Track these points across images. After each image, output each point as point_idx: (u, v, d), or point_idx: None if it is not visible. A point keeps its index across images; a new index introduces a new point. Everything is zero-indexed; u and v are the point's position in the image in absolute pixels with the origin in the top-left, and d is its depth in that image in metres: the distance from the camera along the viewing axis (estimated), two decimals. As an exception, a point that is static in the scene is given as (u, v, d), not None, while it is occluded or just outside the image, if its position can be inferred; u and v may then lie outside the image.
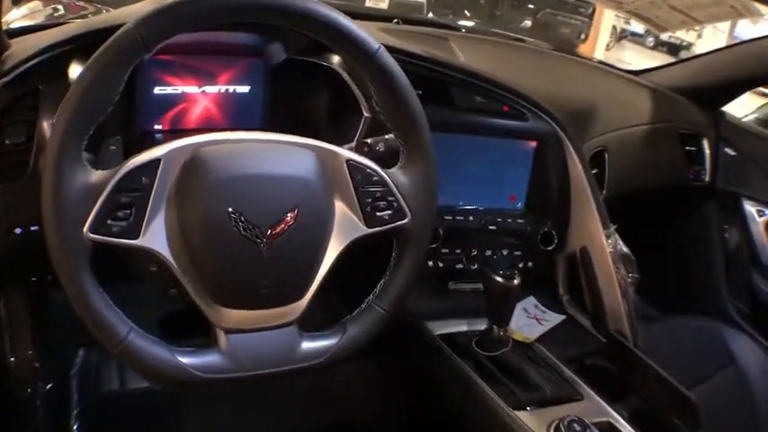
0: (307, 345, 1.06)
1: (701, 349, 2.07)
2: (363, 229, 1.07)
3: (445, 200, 1.43)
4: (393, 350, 1.58)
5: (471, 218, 1.53)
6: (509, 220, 1.57)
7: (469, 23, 3.08)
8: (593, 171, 1.82)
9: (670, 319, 2.19)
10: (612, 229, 1.55)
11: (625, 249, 1.54)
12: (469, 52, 1.80)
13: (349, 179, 1.05)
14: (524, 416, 1.30)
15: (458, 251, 1.54)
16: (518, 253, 1.59)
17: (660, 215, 2.44)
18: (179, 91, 1.30)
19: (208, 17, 0.97)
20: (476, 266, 1.54)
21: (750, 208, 2.30)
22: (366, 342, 1.11)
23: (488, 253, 1.56)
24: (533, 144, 1.60)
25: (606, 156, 1.91)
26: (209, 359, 0.99)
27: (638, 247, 1.90)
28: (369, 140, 1.26)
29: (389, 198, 1.08)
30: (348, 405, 1.73)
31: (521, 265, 1.58)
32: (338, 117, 1.35)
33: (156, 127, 1.30)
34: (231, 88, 1.36)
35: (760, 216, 2.28)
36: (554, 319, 1.57)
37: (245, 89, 1.37)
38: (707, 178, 2.31)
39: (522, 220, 1.58)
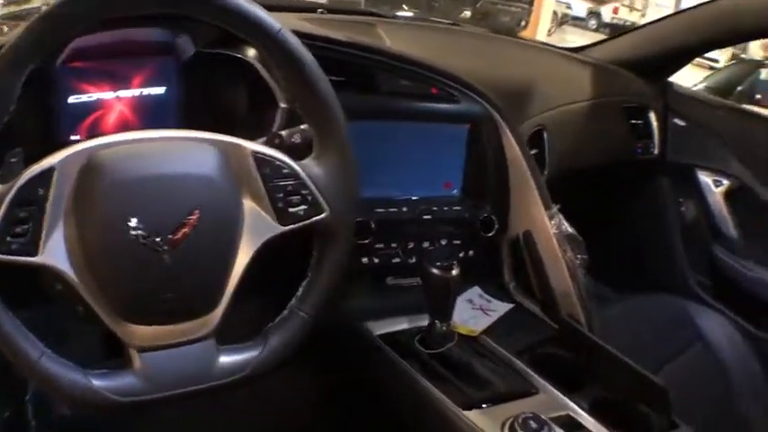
0: (225, 359, 0.99)
1: (666, 327, 2.00)
2: (277, 228, 0.99)
3: (375, 191, 1.37)
4: (333, 354, 1.51)
5: (405, 209, 1.44)
6: (445, 208, 1.48)
7: (406, 15, 2.98)
8: (533, 151, 1.75)
9: (630, 298, 2.10)
10: (555, 209, 1.47)
11: (570, 230, 1.46)
12: (398, 38, 1.72)
13: (257, 173, 0.97)
14: (475, 416, 1.21)
15: (393, 245, 1.44)
16: (458, 242, 1.50)
17: (611, 192, 2.38)
18: (94, 98, 1.24)
19: (83, 19, 0.89)
20: (414, 260, 1.45)
21: (705, 178, 2.24)
22: (290, 351, 1.04)
23: (426, 244, 1.46)
24: (466, 127, 1.51)
25: (545, 134, 1.84)
26: (123, 381, 0.93)
27: (591, 226, 1.82)
28: (284, 132, 1.18)
29: (303, 192, 1.00)
30: (291, 413, 1.64)
31: (461, 255, 1.49)
32: (257, 111, 1.27)
33: (73, 138, 1.23)
34: (146, 91, 1.29)
35: (716, 186, 2.22)
36: (501, 308, 1.49)
37: (160, 90, 1.30)
38: (656, 151, 2.25)
39: (459, 207, 1.49)
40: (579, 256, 1.45)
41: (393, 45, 1.65)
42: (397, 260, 1.46)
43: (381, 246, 1.44)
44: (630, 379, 1.30)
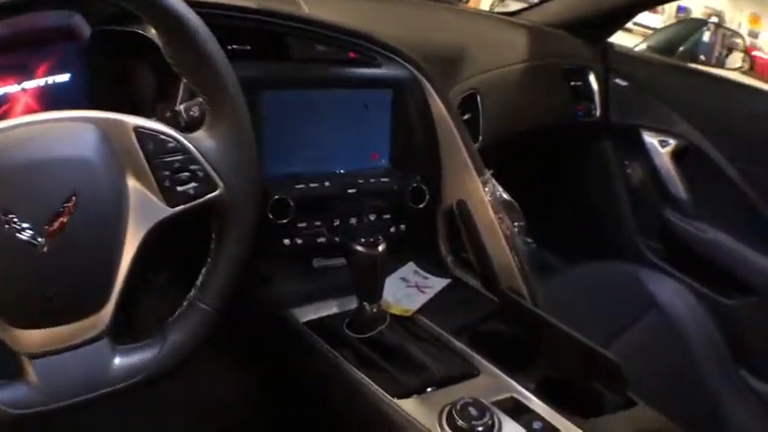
0: (121, 361, 0.90)
1: (618, 296, 1.93)
2: (165, 210, 0.90)
3: (294, 167, 1.30)
4: (260, 346, 1.42)
5: (327, 183, 1.32)
6: (372, 180, 1.36)
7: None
8: (466, 116, 1.69)
9: (579, 267, 2.01)
10: (488, 175, 1.36)
11: (506, 196, 1.36)
12: (319, 6, 1.59)
13: (139, 150, 0.88)
14: (410, 404, 1.11)
15: (317, 223, 1.33)
16: (387, 216, 1.38)
17: (554, 158, 2.29)
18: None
19: None
20: (341, 238, 1.32)
21: (651, 139, 2.17)
22: (192, 347, 0.95)
23: (353, 221, 1.35)
24: (389, 92, 1.39)
25: (479, 98, 1.74)
26: (17, 392, 0.85)
27: (535, 194, 1.74)
28: (182, 106, 1.09)
29: (192, 167, 0.91)
30: (220, 411, 1.52)
31: (392, 230, 1.38)
32: (164, 88, 1.18)
33: None
34: (51, 79, 1.19)
35: (663, 146, 2.15)
36: (438, 284, 1.38)
37: (65, 77, 1.20)
38: (598, 113, 2.18)
39: (387, 179, 1.37)
40: (517, 223, 1.35)
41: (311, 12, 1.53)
42: (322, 240, 1.34)
43: (304, 225, 1.32)
44: (579, 354, 1.20)
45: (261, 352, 1.45)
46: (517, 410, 1.12)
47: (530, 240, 2.34)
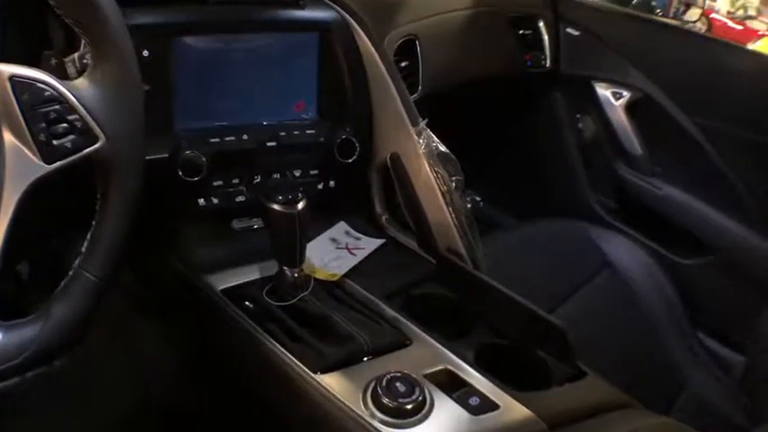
0: (1, 339, 0.80)
1: (570, 255, 1.84)
2: (42, 167, 0.80)
3: (209, 121, 1.19)
4: (178, 316, 1.31)
5: (245, 137, 1.20)
6: (296, 133, 1.24)
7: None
8: (404, 64, 1.59)
9: (528, 226, 1.92)
10: (423, 124, 1.24)
11: (442, 148, 1.24)
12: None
13: (14, 101, 0.78)
14: (332, 380, 1.00)
15: (235, 181, 1.21)
16: (314, 172, 1.27)
17: (501, 110, 2.19)
18: None
19: None
20: (256, 196, 1.19)
21: (604, 91, 2.06)
22: (79, 321, 0.85)
23: (277, 177, 1.21)
24: (315, 36, 1.27)
25: (418, 45, 1.61)
26: None
27: (481, 148, 1.62)
28: (76, 54, 0.98)
29: (71, 118, 0.81)
30: (158, 388, 1.44)
31: (320, 186, 1.25)
32: (70, 39, 1.04)
33: None
34: None
35: (617, 99, 2.04)
36: (370, 245, 1.26)
37: None
38: (548, 63, 2.07)
39: (312, 131, 1.25)
40: (455, 177, 1.22)
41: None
42: (241, 199, 1.22)
43: (220, 183, 1.20)
44: (523, 320, 1.09)
45: (179, 323, 1.34)
46: (452, 384, 1.00)
47: (478, 198, 2.26)
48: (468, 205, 2.04)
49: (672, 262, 1.94)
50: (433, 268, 1.24)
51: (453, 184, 1.23)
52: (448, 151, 1.25)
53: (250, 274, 1.20)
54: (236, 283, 1.18)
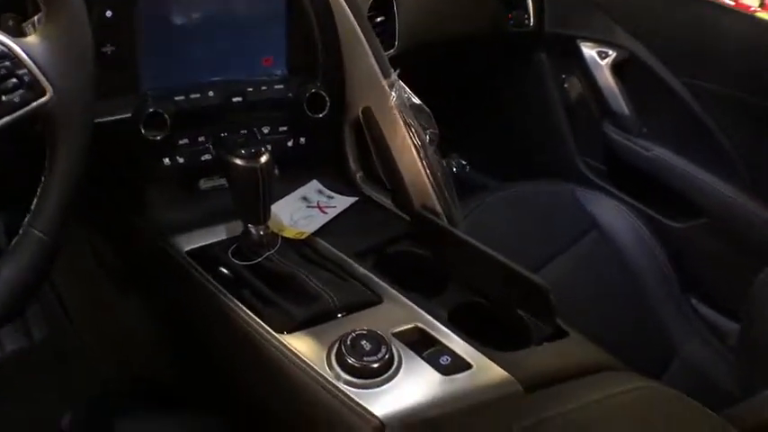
0: None
1: (555, 217, 1.79)
2: None
3: (175, 79, 1.14)
4: (145, 279, 1.27)
5: (212, 93, 1.15)
6: (264, 89, 1.19)
7: None
8: (380, 19, 1.56)
9: (515, 186, 1.86)
10: (395, 76, 1.19)
11: (415, 100, 1.18)
12: None
13: None
14: (298, 340, 0.95)
15: (201, 139, 1.16)
16: (284, 128, 1.22)
17: (484, 70, 2.12)
18: None
19: None
20: (218, 152, 1.17)
21: (589, 51, 1.98)
22: (31, 283, 0.83)
23: (244, 133, 1.16)
24: (283, -11, 1.20)
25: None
26: None
27: (463, 110, 1.56)
28: (36, 16, 0.98)
29: (19, 72, 0.80)
30: (137, 357, 1.40)
31: (290, 143, 1.21)
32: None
33: None
34: None
35: (602, 58, 1.96)
36: (342, 203, 1.21)
37: None
38: (531, 22, 2.00)
39: (281, 86, 1.21)
40: (429, 130, 1.17)
41: None
42: (207, 157, 1.17)
43: (186, 142, 1.15)
44: (502, 278, 1.05)
45: (152, 289, 1.29)
46: (423, 343, 0.96)
47: (464, 162, 2.21)
48: (454, 169, 2.01)
49: (661, 225, 1.88)
50: (407, 226, 1.20)
51: (427, 137, 1.18)
52: (421, 103, 1.20)
53: (216, 234, 1.16)
54: (202, 243, 1.14)
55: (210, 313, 1.04)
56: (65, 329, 1.44)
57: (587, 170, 2.06)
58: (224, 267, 1.08)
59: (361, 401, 0.86)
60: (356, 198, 1.25)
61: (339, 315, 1.00)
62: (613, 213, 1.84)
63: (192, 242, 1.14)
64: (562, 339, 1.02)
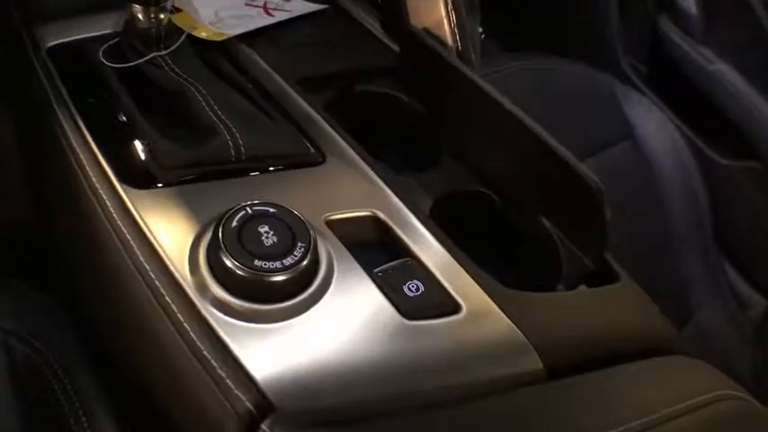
0: None
1: (595, 111, 1.49)
2: None
3: None
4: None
5: None
6: None
7: None
8: None
9: (548, 60, 1.53)
10: None
11: None
12: None
13: None
14: (155, 203, 0.56)
15: None
16: None
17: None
18: None
19: None
20: None
21: None
22: None
23: None
24: None
25: None
26: None
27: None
28: None
29: None
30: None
31: None
32: None
33: None
34: None
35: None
36: (302, 7, 0.79)
37: None
38: None
39: None
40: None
41: None
42: None
43: None
44: (528, 162, 0.65)
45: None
46: (378, 248, 0.57)
47: (480, 29, 1.83)
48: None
49: (706, 157, 1.58)
50: (393, 56, 0.79)
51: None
52: None
53: (99, 25, 0.76)
54: (74, 37, 0.76)
55: (46, 138, 0.65)
56: None
57: (633, 73, 1.70)
58: (89, 71, 0.70)
59: (234, 348, 0.47)
60: (325, 6, 0.83)
61: (239, 173, 0.59)
62: (655, 126, 1.55)
63: (60, 35, 0.76)
64: (610, 286, 0.62)
